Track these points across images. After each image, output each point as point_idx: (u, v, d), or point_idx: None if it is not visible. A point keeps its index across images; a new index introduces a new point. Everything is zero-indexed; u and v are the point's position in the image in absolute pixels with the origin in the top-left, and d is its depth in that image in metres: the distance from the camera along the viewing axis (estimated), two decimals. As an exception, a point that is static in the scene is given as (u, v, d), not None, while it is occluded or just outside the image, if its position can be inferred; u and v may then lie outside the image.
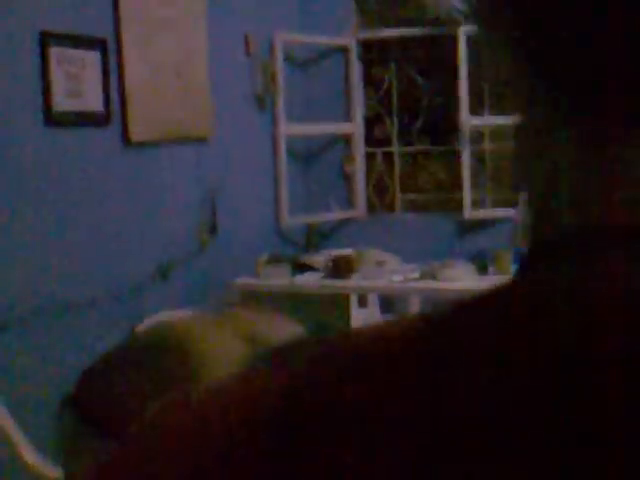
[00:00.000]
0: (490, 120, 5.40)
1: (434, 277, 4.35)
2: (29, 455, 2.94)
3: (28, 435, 3.01)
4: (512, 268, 4.35)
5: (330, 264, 4.52)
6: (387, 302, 5.50)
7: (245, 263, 4.64)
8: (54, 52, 3.52)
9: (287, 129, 5.31)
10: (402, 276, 4.43)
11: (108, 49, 3.82)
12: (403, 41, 5.67)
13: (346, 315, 4.36)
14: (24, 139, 3.39)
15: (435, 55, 5.66)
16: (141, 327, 3.93)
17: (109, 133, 3.86)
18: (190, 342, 2.24)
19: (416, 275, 4.42)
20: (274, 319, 2.62)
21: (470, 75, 5.22)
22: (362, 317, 5.16)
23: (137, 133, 3.99)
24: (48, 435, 2.73)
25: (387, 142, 5.87)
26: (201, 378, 2.27)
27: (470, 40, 5.09)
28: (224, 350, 2.34)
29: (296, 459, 0.36)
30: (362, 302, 5.33)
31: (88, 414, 2.47)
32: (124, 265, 3.98)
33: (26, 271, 3.40)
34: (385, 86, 5.80)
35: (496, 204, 5.74)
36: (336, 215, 5.65)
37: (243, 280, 4.51)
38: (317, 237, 5.67)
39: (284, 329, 2.52)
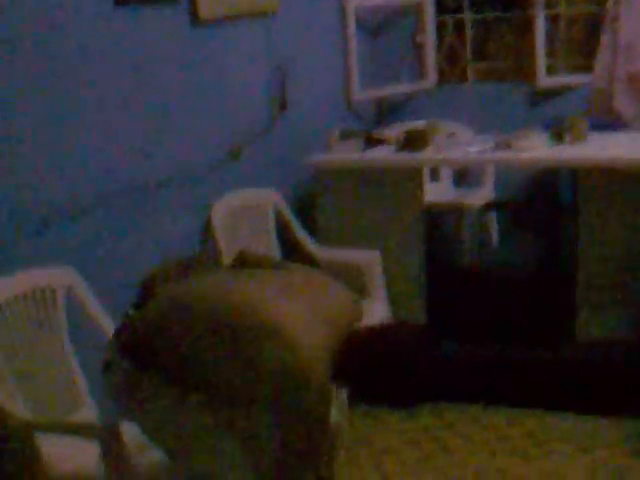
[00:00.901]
0: (565, -17, 5.20)
1: (509, 147, 4.27)
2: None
3: (109, 311, 3.07)
4: (587, 135, 4.26)
5: (403, 137, 4.46)
6: (460, 175, 5.45)
7: (316, 139, 4.61)
8: None
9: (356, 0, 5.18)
10: (476, 147, 4.36)
11: None
12: None
13: (419, 189, 4.31)
14: (93, 19, 3.36)
15: None
16: (216, 206, 3.96)
17: (178, 11, 3.81)
18: (270, 324, 2.24)
19: (491, 145, 4.35)
20: (332, 286, 2.62)
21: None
22: (435, 191, 5.12)
23: (205, 10, 3.93)
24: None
25: (458, 10, 5.71)
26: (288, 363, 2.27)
27: None
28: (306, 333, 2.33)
29: None
30: (435, 176, 5.29)
31: (151, 361, 2.50)
32: (197, 145, 3.98)
33: (105, 155, 3.42)
34: (455, -48, 5.61)
35: (570, 71, 5.60)
36: (406, 87, 5.55)
37: (314, 156, 4.49)
38: (387, 110, 5.59)
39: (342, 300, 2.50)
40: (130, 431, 2.52)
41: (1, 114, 2.98)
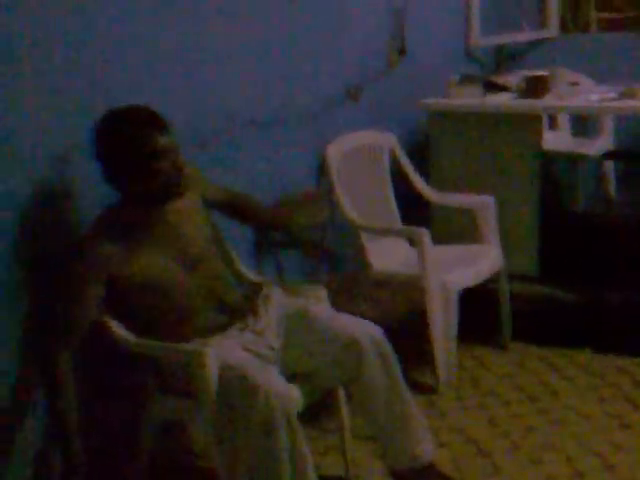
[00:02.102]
0: None
1: (632, 97, 4.17)
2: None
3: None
4: None
5: (523, 84, 4.41)
6: (579, 124, 5.36)
7: (434, 84, 4.59)
8: None
9: (478, -56, 5.12)
10: (598, 96, 4.28)
11: None
12: None
13: (538, 136, 4.26)
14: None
15: None
16: (332, 146, 4.00)
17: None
18: None
19: (613, 95, 4.26)
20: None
21: None
22: (553, 139, 5.06)
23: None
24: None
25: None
26: None
27: None
28: None
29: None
30: (553, 124, 5.22)
31: None
32: (314, 85, 4.01)
33: (223, 92, 3.48)
34: None
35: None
36: (528, 35, 5.47)
37: (432, 100, 4.47)
38: (508, 58, 5.53)
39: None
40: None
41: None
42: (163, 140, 2.55)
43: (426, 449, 2.92)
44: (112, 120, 2.58)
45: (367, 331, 2.80)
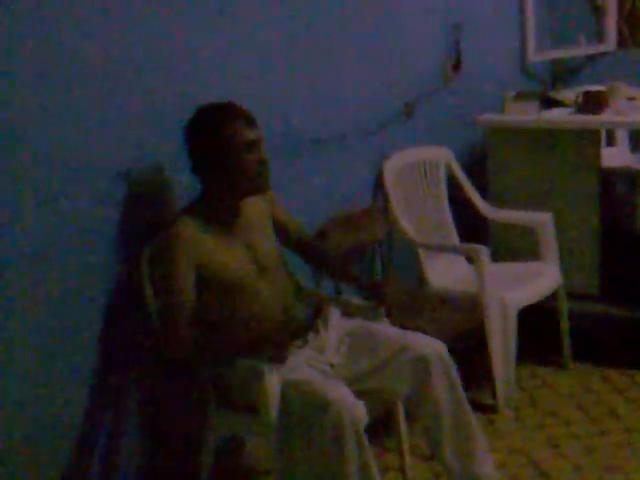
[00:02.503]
0: None
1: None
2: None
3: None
4: None
5: (580, 99, 4.36)
6: (637, 140, 5.28)
7: (490, 99, 4.55)
8: None
9: (537, -41, 5.07)
10: (658, 111, 4.22)
11: None
12: None
13: (597, 152, 4.20)
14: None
15: None
16: (388, 161, 3.98)
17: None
18: None
19: (673, 111, 4.20)
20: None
21: None
22: (611, 155, 4.98)
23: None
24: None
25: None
26: None
27: None
28: None
29: None
30: (611, 141, 5.14)
31: None
32: (370, 102, 4.00)
33: (283, 109, 3.47)
34: None
35: None
36: (585, 50, 5.41)
37: (489, 116, 4.44)
38: (564, 73, 5.47)
39: None
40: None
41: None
42: (252, 134, 2.69)
43: (486, 472, 2.87)
44: (205, 114, 2.70)
45: (434, 348, 2.78)
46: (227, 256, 2.69)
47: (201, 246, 2.63)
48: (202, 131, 2.69)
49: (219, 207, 2.72)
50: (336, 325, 2.89)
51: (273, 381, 2.53)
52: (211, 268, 2.64)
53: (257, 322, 2.69)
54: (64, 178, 2.59)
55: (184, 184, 2.90)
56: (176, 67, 2.94)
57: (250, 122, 2.70)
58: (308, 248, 3.03)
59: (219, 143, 2.65)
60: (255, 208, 2.84)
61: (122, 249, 2.77)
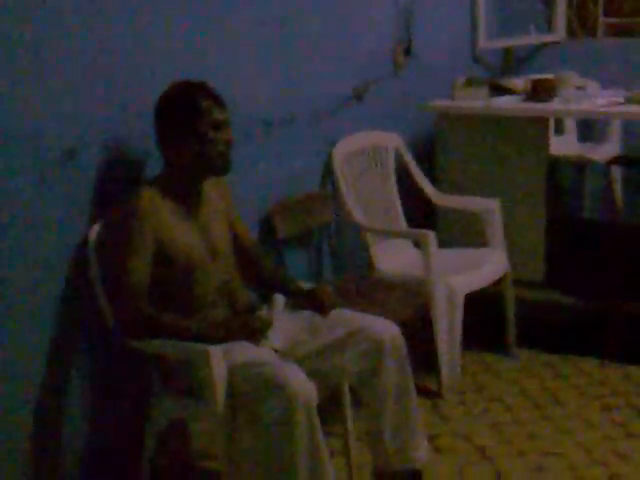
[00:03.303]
0: None
1: (639, 103, 4.15)
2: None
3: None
4: None
5: (529, 87, 4.38)
6: (585, 129, 5.34)
7: (440, 85, 4.56)
8: None
9: (486, -55, 5.08)
10: (605, 101, 4.25)
11: None
12: None
13: (545, 140, 4.23)
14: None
15: None
16: (338, 145, 3.97)
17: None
18: None
19: (620, 100, 4.23)
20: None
21: None
22: (559, 144, 5.02)
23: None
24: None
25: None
26: None
27: None
28: None
29: None
30: (559, 129, 5.18)
31: None
32: (321, 86, 3.97)
33: (229, 91, 3.42)
34: None
35: None
36: (534, 39, 5.44)
37: (438, 102, 4.44)
38: (514, 61, 5.50)
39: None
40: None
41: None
42: (222, 115, 2.73)
43: (420, 455, 2.88)
44: (179, 88, 2.73)
45: (390, 331, 2.79)
46: (183, 234, 2.68)
47: (162, 220, 2.63)
48: (175, 103, 2.71)
49: (180, 183, 2.73)
50: (283, 310, 2.89)
51: (219, 364, 2.50)
52: (166, 243, 2.63)
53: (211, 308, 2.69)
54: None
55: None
56: (128, 46, 2.90)
57: (221, 103, 2.75)
58: (246, 254, 2.99)
59: (191, 116, 2.68)
60: (213, 195, 2.85)
61: (69, 229, 2.73)
